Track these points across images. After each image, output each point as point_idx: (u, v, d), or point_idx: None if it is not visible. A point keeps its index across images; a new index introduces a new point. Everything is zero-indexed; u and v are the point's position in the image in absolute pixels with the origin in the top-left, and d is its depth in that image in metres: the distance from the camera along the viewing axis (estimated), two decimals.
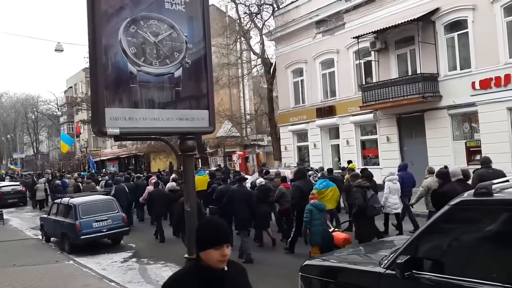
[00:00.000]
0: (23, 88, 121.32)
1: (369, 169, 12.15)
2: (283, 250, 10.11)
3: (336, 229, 8.63)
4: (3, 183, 29.09)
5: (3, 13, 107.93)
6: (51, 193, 21.43)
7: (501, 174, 8.33)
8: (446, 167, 9.39)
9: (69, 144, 42.32)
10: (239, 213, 9.83)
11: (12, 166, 56.13)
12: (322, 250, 7.75)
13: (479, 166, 15.35)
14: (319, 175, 12.06)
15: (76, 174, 28.43)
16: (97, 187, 19.15)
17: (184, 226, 11.20)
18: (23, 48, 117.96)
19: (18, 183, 29.20)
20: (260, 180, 11.91)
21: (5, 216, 18.53)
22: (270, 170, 14.77)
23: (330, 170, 13.23)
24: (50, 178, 26.77)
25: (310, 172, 13.96)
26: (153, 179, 16.36)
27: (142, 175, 23.54)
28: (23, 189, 26.57)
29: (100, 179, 23.33)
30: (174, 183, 13.27)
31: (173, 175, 15.26)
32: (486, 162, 8.94)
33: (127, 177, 18.63)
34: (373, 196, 8.50)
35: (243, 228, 9.85)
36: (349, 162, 16.76)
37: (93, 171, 33.79)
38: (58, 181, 22.00)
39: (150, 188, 14.66)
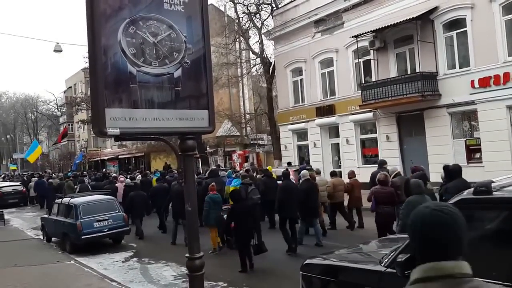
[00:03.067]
0: (23, 88, 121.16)
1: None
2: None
3: None
4: (3, 184, 29.10)
5: (1, 13, 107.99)
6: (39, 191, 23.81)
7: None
8: (287, 169, 12.31)
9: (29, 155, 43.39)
10: (174, 207, 12.58)
11: (14, 167, 56.10)
12: (218, 231, 10.56)
13: (479, 165, 15.47)
14: (233, 175, 14.58)
15: (61, 174, 30.47)
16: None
17: (133, 213, 13.34)
18: (22, 49, 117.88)
19: (18, 183, 29.21)
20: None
21: (6, 216, 18.58)
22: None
23: (246, 171, 16.12)
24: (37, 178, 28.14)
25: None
26: (121, 177, 19.25)
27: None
28: (24, 189, 26.62)
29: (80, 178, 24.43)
30: (129, 180, 16.87)
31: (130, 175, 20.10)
32: (382, 164, 10.66)
33: (97, 177, 23.04)
34: (253, 190, 11.66)
35: (176, 219, 12.18)
36: (289, 163, 20.05)
37: (74, 170, 34.80)
38: (50, 181, 23.60)
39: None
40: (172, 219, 12.81)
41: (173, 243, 11.97)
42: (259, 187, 13.13)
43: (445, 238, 1.62)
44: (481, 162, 15.58)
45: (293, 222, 10.19)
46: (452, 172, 8.02)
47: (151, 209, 14.57)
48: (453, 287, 1.59)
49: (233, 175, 14.61)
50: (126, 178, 19.58)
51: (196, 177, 15.63)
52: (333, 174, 13.19)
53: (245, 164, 24.97)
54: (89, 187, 18.64)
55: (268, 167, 16.67)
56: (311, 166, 18.58)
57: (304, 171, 11.75)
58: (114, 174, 24.02)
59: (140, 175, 21.93)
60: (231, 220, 8.98)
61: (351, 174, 12.87)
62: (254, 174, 16.57)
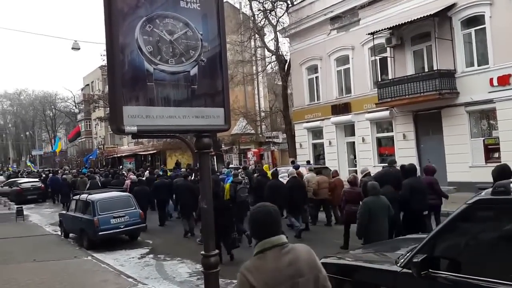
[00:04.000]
0: (41, 85, 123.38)
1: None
2: None
3: None
4: (23, 180, 29.59)
5: (21, 12, 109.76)
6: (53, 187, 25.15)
7: (397, 172, 9.99)
8: (276, 169, 13.95)
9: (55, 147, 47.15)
10: (182, 201, 13.41)
11: (29, 164, 57.22)
12: None
13: (498, 163, 15.25)
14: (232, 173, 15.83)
15: (74, 170, 32.22)
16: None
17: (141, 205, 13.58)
18: (41, 47, 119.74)
19: (37, 179, 29.67)
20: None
21: (25, 212, 18.85)
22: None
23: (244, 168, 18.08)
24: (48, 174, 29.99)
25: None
26: (131, 174, 20.61)
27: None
28: (42, 185, 27.03)
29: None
30: (135, 176, 18.14)
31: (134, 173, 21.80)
32: (391, 162, 11.03)
33: (106, 173, 24.86)
34: (241, 188, 12.41)
35: (185, 212, 12.96)
36: (292, 162, 20.70)
37: (87, 166, 36.08)
38: (64, 177, 25.27)
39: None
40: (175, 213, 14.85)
41: (185, 235, 12.62)
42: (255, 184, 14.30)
43: (273, 223, 2.68)
44: (500, 161, 15.31)
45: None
46: (407, 171, 9.00)
47: (153, 203, 15.75)
48: (278, 251, 2.65)
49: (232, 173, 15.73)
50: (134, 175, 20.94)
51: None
52: (318, 172, 13.87)
53: (250, 162, 26.57)
54: (99, 183, 19.76)
55: (264, 166, 18.08)
56: (312, 164, 18.81)
57: (291, 170, 13.26)
58: (124, 172, 25.47)
59: (147, 172, 23.05)
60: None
61: (335, 174, 13.63)
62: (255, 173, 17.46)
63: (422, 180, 9.12)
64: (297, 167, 15.15)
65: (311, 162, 22.33)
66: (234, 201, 11.80)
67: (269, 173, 14.41)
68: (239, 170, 17.36)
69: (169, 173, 20.74)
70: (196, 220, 11.88)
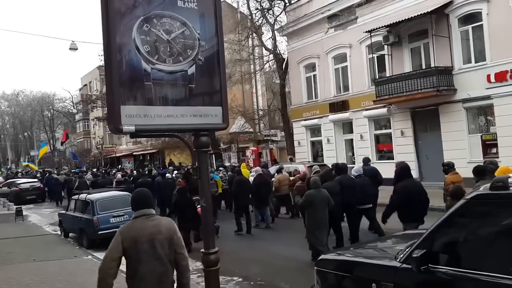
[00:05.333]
0: (39, 86, 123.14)
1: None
2: None
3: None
4: (21, 180, 29.55)
5: (18, 12, 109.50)
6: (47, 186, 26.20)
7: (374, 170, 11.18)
8: (239, 167, 14.68)
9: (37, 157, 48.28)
10: (163, 197, 14.74)
11: (25, 163, 57.30)
12: None
13: (495, 160, 15.35)
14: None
15: (66, 170, 33.92)
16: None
17: None
18: (38, 47, 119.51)
19: (36, 180, 29.65)
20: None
21: (24, 213, 18.80)
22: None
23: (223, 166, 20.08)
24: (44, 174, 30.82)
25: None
26: (119, 173, 22.03)
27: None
28: (41, 185, 27.04)
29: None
30: (120, 176, 19.67)
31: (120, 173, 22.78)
32: (366, 161, 11.88)
33: (95, 173, 25.96)
34: (211, 184, 12.21)
35: (166, 206, 14.21)
36: (275, 161, 22.74)
37: (81, 167, 38.36)
38: (56, 177, 26.27)
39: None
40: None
41: None
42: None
43: (146, 200, 3.96)
44: (498, 157, 15.33)
45: (246, 210, 12.39)
46: (339, 170, 10.05)
47: None
48: (146, 218, 3.86)
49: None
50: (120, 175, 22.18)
51: (177, 172, 18.61)
52: (279, 171, 14.78)
53: (232, 161, 29.00)
54: (87, 182, 20.64)
55: (242, 165, 19.15)
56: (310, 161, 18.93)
57: (256, 168, 14.84)
58: (114, 171, 26.65)
59: (135, 171, 24.54)
60: (174, 210, 11.08)
61: (296, 172, 14.62)
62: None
63: (351, 177, 10.05)
64: (265, 166, 16.85)
65: (310, 160, 22.47)
66: None
67: (246, 171, 15.43)
68: (221, 169, 18.89)
69: (153, 172, 21.91)
70: (169, 214, 12.08)
